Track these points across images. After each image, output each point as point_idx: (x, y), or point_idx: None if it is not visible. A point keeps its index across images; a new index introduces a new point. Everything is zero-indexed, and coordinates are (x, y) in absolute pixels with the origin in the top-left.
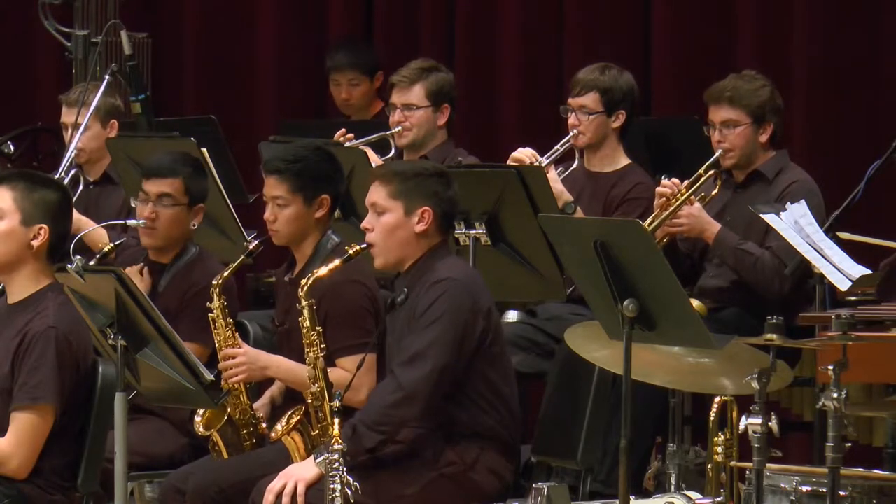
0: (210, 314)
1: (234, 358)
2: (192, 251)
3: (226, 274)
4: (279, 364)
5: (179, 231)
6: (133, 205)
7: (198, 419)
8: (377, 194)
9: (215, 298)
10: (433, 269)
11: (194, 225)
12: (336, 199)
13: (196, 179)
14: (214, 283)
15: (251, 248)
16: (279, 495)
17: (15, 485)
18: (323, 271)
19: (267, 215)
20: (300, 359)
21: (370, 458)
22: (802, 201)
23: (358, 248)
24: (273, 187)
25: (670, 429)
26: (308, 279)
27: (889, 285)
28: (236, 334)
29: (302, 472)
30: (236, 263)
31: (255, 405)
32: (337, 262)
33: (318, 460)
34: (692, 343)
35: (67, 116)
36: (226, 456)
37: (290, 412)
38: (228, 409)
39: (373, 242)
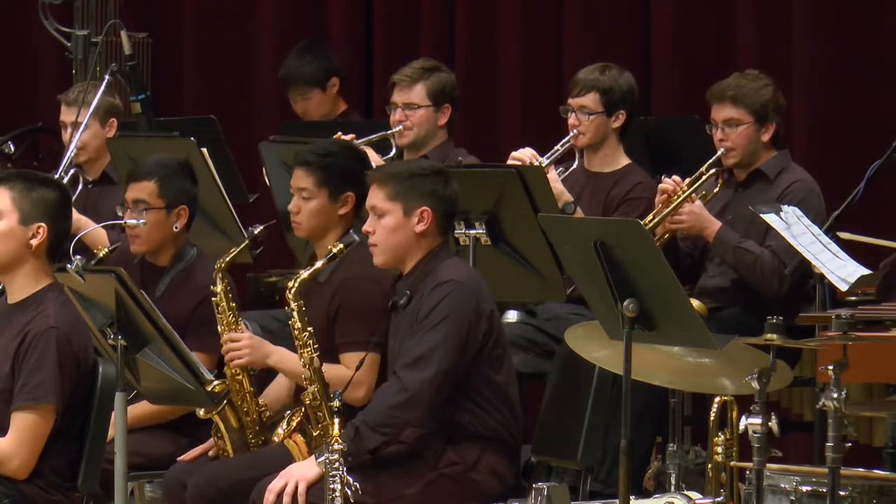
0: (213, 298)
1: (237, 342)
2: (190, 253)
3: (227, 259)
4: (282, 354)
5: (161, 235)
6: (119, 213)
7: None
8: (376, 197)
9: (218, 282)
10: (435, 271)
11: (176, 227)
12: (361, 199)
13: (172, 181)
14: (217, 266)
15: (256, 232)
16: (280, 495)
17: (15, 485)
18: (306, 273)
19: (291, 206)
20: None
21: (371, 457)
22: (796, 206)
23: (342, 246)
24: (300, 179)
25: (670, 429)
26: (294, 281)
27: (889, 285)
28: (240, 319)
29: (303, 471)
30: (240, 247)
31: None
32: (320, 262)
33: (319, 460)
34: (692, 343)
35: (66, 116)
36: (229, 445)
37: (289, 414)
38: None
39: (375, 244)
